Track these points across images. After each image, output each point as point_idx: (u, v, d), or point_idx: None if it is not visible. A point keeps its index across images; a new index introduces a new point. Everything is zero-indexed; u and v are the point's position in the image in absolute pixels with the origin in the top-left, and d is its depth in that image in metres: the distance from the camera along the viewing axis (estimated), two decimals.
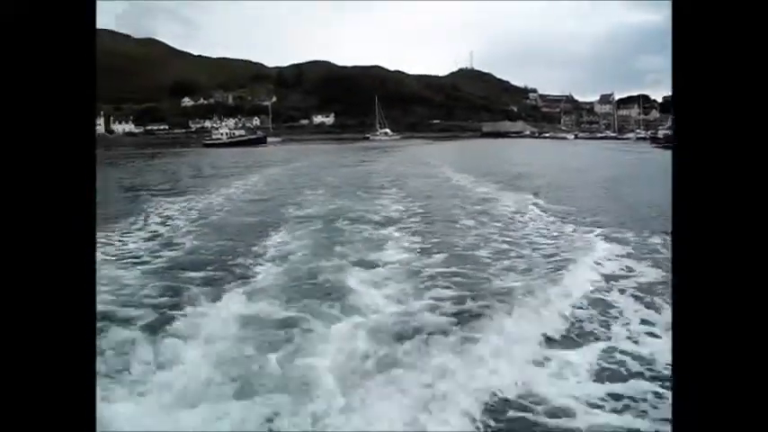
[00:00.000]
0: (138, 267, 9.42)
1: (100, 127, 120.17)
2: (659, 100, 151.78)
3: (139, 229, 13.34)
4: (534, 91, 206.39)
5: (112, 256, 10.40)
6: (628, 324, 6.59)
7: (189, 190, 22.39)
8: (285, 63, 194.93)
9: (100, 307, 6.79)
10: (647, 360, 5.54)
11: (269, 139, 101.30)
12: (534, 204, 16.93)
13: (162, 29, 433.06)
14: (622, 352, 5.76)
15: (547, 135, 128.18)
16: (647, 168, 33.38)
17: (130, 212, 15.80)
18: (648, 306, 7.15)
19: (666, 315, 6.56)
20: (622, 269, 9.11)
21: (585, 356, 5.72)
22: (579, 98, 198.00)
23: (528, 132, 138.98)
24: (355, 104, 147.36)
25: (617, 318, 6.81)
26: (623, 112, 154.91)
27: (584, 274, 8.83)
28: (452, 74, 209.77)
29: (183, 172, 36.17)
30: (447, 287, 7.97)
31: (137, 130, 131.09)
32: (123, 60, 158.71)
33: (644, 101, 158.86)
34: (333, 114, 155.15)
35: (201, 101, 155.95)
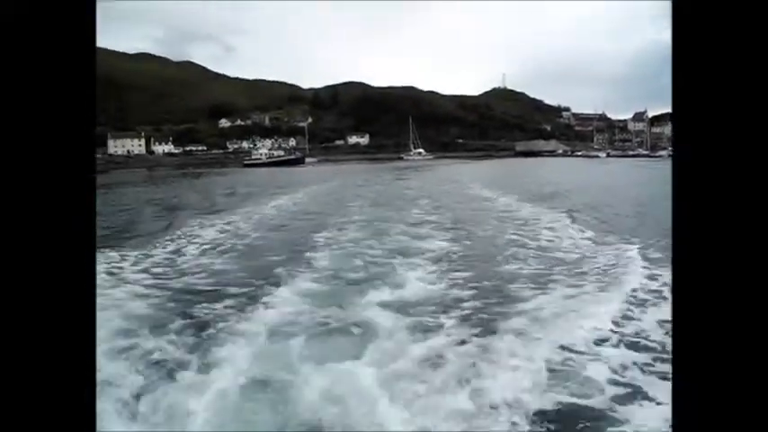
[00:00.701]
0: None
1: (141, 147, 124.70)
2: None
3: (247, 214, 20.03)
4: (567, 110, 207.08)
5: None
6: None
7: (247, 202, 25.25)
8: (320, 84, 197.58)
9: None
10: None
11: (306, 160, 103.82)
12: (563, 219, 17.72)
13: (199, 52, 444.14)
14: None
15: (579, 153, 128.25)
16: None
17: (232, 207, 22.63)
18: None
19: None
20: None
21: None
22: (612, 116, 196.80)
23: (561, 151, 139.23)
24: (389, 125, 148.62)
25: None
26: (657, 129, 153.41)
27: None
28: (485, 93, 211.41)
29: (238, 188, 38.71)
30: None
31: (176, 151, 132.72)
32: (161, 83, 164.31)
33: None
34: (367, 135, 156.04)
35: (238, 122, 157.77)
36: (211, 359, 5.84)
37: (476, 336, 6.40)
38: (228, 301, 8.07)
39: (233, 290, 8.76)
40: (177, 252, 12.47)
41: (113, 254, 11.59)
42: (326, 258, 11.20)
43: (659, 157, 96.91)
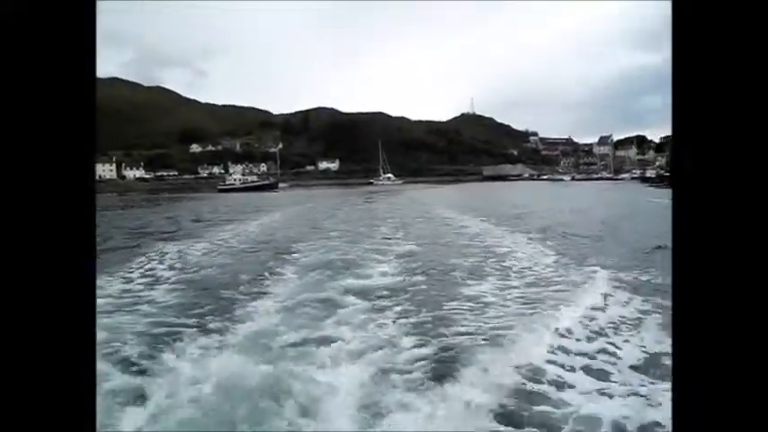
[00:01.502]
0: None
1: (112, 172, 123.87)
2: (656, 140, 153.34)
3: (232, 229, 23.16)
4: (535, 134, 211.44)
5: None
6: None
7: (232, 221, 28.24)
8: (291, 110, 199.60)
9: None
10: None
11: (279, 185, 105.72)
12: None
13: (170, 77, 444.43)
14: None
15: (545, 177, 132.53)
16: (621, 208, 36.20)
17: (219, 224, 26.11)
18: None
19: None
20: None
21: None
22: (580, 140, 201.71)
23: (527, 175, 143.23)
24: (359, 150, 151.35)
25: None
26: (621, 152, 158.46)
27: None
28: (455, 119, 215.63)
29: (219, 210, 41.51)
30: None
31: (147, 176, 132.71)
32: (132, 108, 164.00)
33: (641, 141, 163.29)
34: (338, 160, 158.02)
35: (210, 147, 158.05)
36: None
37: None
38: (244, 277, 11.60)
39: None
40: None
41: None
42: (308, 258, 14.32)
43: (622, 179, 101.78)
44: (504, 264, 13.14)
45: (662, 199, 39.59)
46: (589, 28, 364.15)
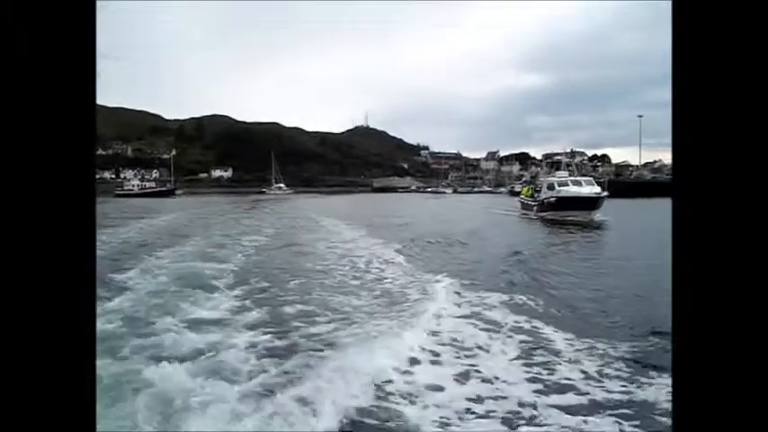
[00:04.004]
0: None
1: None
2: (539, 156, 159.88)
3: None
4: (426, 148, 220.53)
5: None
6: None
7: (141, 218, 36.23)
8: (184, 116, 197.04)
9: None
10: None
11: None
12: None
13: None
14: None
15: (429, 190, 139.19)
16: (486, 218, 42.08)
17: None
18: None
19: None
20: None
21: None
22: (469, 155, 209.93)
23: (414, 187, 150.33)
24: (253, 159, 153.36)
25: None
26: (506, 168, 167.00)
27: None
28: (348, 131, 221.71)
29: (129, 211, 46.67)
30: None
31: None
32: None
33: (524, 157, 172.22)
34: (231, 168, 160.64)
35: (100, 151, 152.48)
36: None
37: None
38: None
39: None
40: None
41: None
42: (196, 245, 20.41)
43: (500, 193, 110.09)
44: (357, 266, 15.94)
45: (507, 212, 45.76)
46: (484, 51, 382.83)
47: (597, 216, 34.18)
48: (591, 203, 35.14)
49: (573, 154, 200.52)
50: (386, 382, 6.38)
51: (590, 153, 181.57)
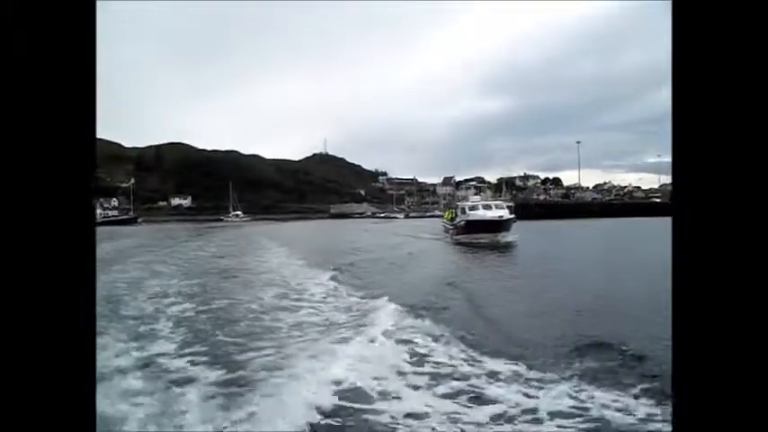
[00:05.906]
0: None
1: None
2: (493, 180, 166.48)
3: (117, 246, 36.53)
4: (384, 174, 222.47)
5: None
6: None
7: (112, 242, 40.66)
8: (143, 144, 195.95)
9: None
10: None
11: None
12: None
13: None
14: None
15: (382, 215, 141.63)
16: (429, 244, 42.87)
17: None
18: None
19: None
20: None
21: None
22: (428, 180, 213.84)
23: (370, 213, 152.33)
24: (212, 187, 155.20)
25: None
26: (462, 192, 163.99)
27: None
28: (306, 158, 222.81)
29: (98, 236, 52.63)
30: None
31: None
32: None
33: (479, 182, 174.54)
34: (190, 197, 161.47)
35: None
36: None
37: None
38: None
39: None
40: None
41: None
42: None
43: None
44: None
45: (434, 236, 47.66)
46: (443, 76, 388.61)
47: (508, 237, 36.29)
48: (496, 226, 37.18)
49: (527, 177, 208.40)
50: None
51: (543, 176, 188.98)
